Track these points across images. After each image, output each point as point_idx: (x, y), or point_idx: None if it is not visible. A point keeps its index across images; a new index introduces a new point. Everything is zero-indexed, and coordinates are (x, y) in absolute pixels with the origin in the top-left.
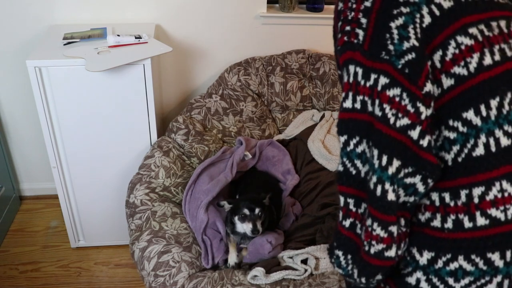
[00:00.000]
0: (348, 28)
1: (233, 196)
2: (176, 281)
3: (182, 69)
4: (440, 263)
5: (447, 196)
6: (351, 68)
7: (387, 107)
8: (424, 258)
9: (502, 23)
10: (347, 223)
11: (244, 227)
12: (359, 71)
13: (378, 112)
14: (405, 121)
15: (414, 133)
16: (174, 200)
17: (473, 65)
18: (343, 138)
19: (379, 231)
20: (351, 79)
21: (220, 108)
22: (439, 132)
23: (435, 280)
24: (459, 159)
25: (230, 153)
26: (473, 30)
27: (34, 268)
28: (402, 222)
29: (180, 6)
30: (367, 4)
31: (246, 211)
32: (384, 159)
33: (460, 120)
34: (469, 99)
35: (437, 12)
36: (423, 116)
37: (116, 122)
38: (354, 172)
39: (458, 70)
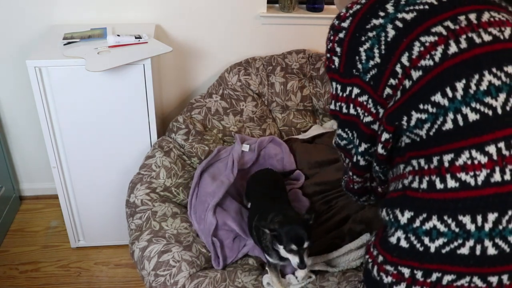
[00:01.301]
0: (328, 55)
1: (246, 197)
2: (177, 281)
3: (182, 69)
4: (417, 222)
5: (422, 161)
6: (333, 84)
7: (359, 109)
8: (404, 217)
9: (472, 16)
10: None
11: (289, 258)
12: (338, 86)
13: (353, 112)
14: (369, 118)
15: (375, 126)
16: (175, 201)
17: (438, 56)
18: (333, 121)
19: (356, 178)
20: (333, 91)
21: (220, 108)
22: (410, 116)
23: (412, 238)
24: (431, 133)
25: (225, 151)
26: (436, 29)
27: (34, 268)
28: (374, 183)
29: (180, 6)
30: (341, 35)
31: (294, 247)
32: (357, 141)
33: (429, 103)
34: (435, 85)
35: (400, 25)
36: (380, 115)
37: (116, 122)
38: (336, 142)
39: (425, 62)
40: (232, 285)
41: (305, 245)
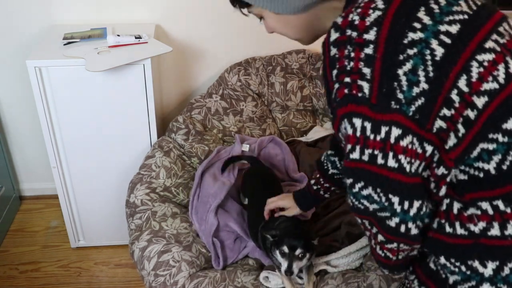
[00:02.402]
0: (347, 79)
1: (243, 194)
2: (177, 281)
3: (182, 69)
4: (506, 270)
5: (500, 204)
6: (357, 122)
7: (402, 158)
8: (489, 269)
9: (506, 26)
10: (366, 233)
11: (281, 262)
12: (368, 125)
13: (393, 164)
14: (417, 163)
15: (420, 168)
16: (175, 201)
17: (501, 77)
18: (348, 181)
19: (404, 246)
20: (358, 133)
21: (220, 108)
22: (474, 148)
23: (504, 287)
24: (504, 167)
25: (225, 152)
26: (489, 44)
27: (34, 268)
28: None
29: (180, 6)
30: (368, 51)
31: (285, 249)
32: (406, 204)
33: (500, 132)
34: (507, 110)
35: (447, 40)
36: (427, 154)
37: (116, 122)
38: (362, 207)
39: (488, 86)
40: (232, 285)
41: (297, 251)
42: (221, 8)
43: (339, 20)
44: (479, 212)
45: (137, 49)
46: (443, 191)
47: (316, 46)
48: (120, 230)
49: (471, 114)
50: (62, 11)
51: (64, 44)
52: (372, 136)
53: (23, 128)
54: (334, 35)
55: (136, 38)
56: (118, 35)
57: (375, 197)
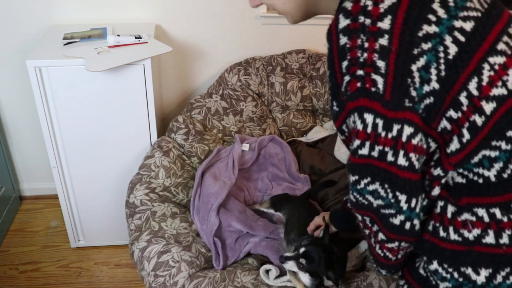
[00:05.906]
0: (360, 72)
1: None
2: (177, 282)
3: (182, 69)
4: (499, 278)
5: (497, 212)
6: (368, 117)
7: (412, 156)
8: (482, 276)
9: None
10: (366, 232)
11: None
12: (379, 122)
13: (403, 163)
14: (422, 159)
15: (420, 163)
16: (174, 200)
17: (511, 82)
18: (353, 178)
19: (404, 245)
20: (368, 130)
21: (220, 108)
22: (476, 154)
23: None
24: (505, 175)
25: (225, 151)
26: (500, 46)
27: (34, 268)
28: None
29: (180, 6)
30: (383, 42)
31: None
32: (413, 201)
33: (504, 139)
34: None
35: (461, 38)
36: (431, 150)
37: (116, 122)
38: (366, 203)
39: (497, 91)
40: (232, 285)
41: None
42: (221, 8)
43: (349, 5)
44: (474, 218)
45: (137, 49)
46: (435, 191)
47: (316, 46)
48: (120, 230)
49: (479, 120)
50: (62, 11)
51: (64, 44)
52: (383, 134)
53: (23, 128)
54: (344, 22)
55: (136, 38)
56: (118, 35)
57: (382, 192)
